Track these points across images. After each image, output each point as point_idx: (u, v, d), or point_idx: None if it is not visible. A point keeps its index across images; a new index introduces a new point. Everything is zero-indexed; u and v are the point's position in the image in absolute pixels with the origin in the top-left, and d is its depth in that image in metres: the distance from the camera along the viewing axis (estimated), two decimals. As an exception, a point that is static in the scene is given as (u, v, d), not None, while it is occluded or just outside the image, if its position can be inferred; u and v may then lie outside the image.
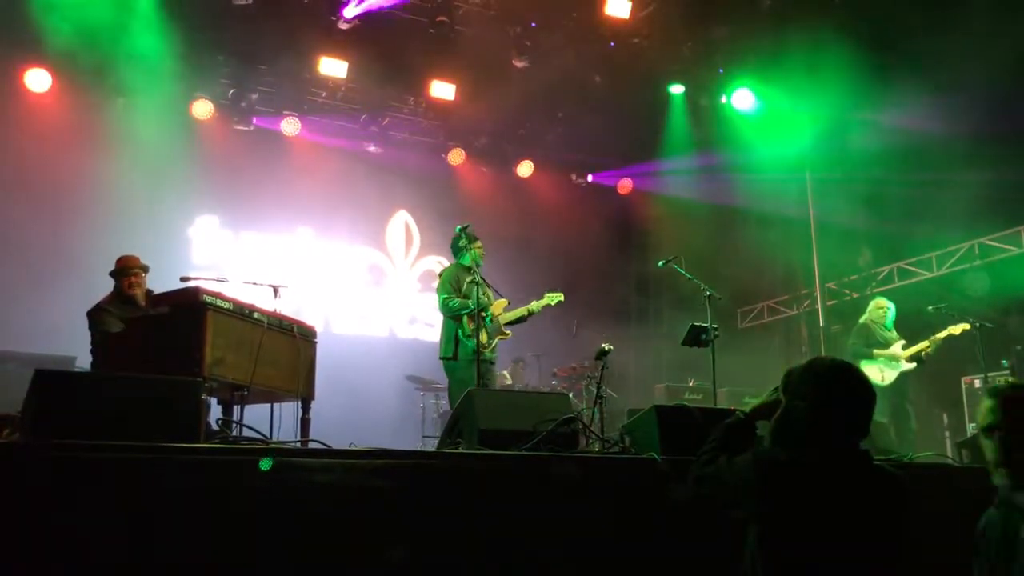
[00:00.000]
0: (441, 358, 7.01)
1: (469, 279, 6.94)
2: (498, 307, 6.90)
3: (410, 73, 11.58)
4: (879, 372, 8.02)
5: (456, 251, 7.25)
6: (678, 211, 14.11)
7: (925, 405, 9.50)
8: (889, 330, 8.33)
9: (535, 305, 7.25)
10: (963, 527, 3.97)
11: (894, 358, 8.06)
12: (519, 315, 7.16)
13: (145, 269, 6.40)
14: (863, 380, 2.65)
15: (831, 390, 2.59)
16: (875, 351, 8.14)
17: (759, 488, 2.53)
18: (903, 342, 8.16)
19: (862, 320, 8.55)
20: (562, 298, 7.49)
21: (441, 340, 7.06)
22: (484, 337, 6.70)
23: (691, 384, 11.26)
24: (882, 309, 8.43)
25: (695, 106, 12.47)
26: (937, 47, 8.85)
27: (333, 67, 11.16)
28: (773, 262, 13.26)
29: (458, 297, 6.87)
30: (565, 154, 13.48)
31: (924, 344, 8.06)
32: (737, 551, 2.61)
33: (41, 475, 2.73)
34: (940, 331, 8.09)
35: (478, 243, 7.10)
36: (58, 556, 2.63)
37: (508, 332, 6.98)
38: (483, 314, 6.70)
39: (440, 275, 7.28)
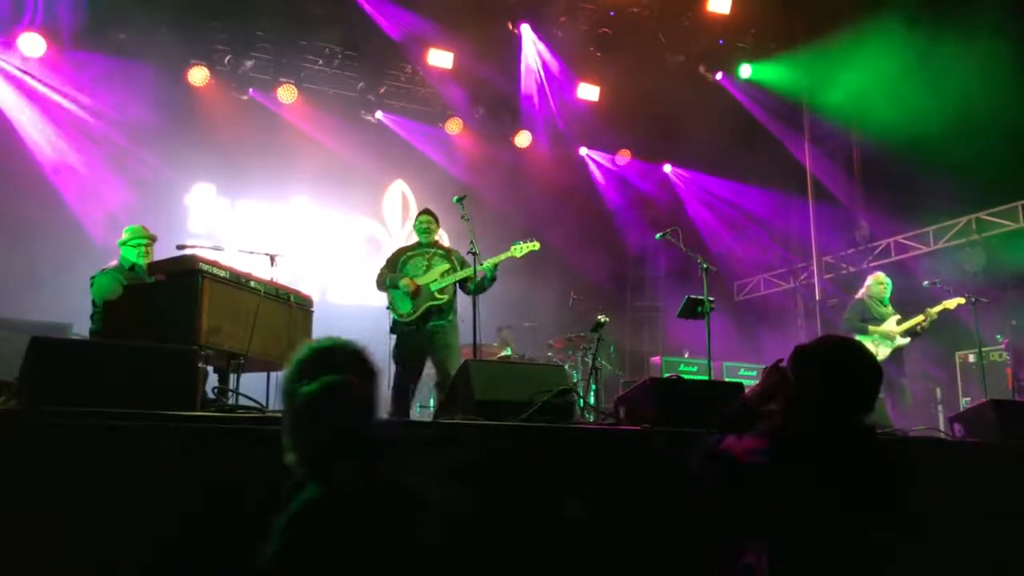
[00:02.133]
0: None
1: (409, 253, 6.93)
2: (431, 275, 6.70)
3: (408, 41, 11.48)
4: (873, 347, 8.02)
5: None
6: (677, 183, 14.13)
7: (919, 379, 9.55)
8: (885, 305, 8.33)
9: (492, 260, 6.58)
10: (955, 500, 4.01)
11: (888, 334, 8.06)
12: (460, 276, 6.65)
13: (153, 239, 6.40)
14: (871, 358, 2.70)
15: (841, 368, 2.64)
16: (870, 327, 8.13)
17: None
18: (898, 317, 8.16)
19: (859, 295, 8.54)
20: (536, 247, 6.83)
21: None
22: (406, 308, 6.65)
23: (686, 356, 11.31)
24: (881, 284, 8.40)
25: (695, 77, 12.40)
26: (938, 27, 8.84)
27: (330, 34, 11.06)
28: (770, 235, 13.27)
29: (387, 272, 6.89)
30: (563, 125, 13.40)
31: (919, 318, 8.05)
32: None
33: (37, 442, 2.73)
34: (935, 306, 8.09)
35: (419, 218, 7.08)
36: (53, 523, 2.64)
37: (442, 296, 6.65)
38: (398, 285, 6.66)
39: None
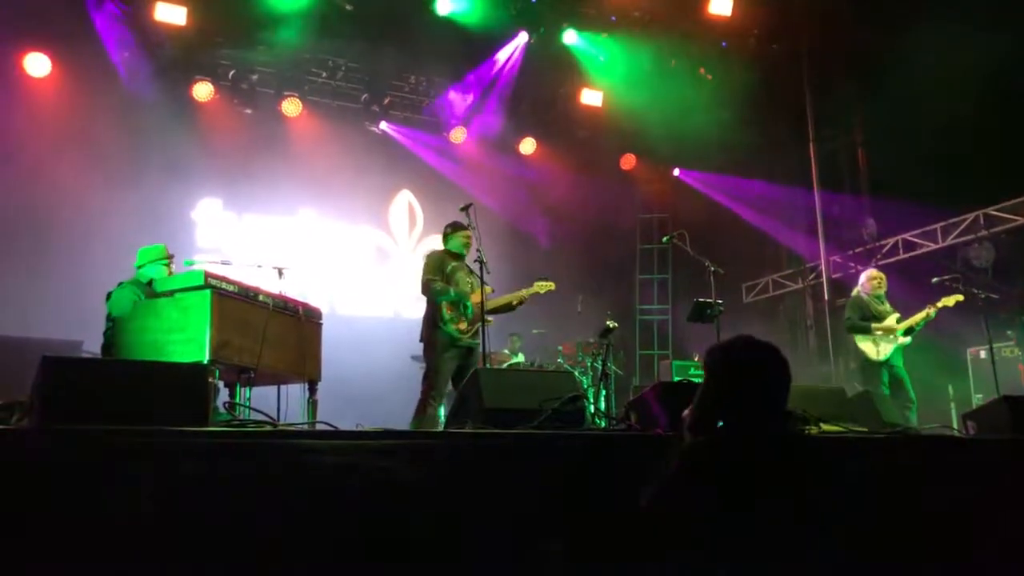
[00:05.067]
0: (421, 341, 6.84)
1: (454, 264, 6.84)
2: (478, 295, 6.63)
3: (411, 52, 11.54)
4: (874, 347, 7.94)
5: (443, 237, 7.16)
6: (683, 186, 14.11)
7: (930, 377, 9.50)
8: (883, 303, 8.24)
9: (524, 293, 7.15)
10: (968, 498, 3.99)
11: (890, 332, 7.99)
12: (503, 303, 7.02)
13: (172, 258, 6.44)
14: (774, 357, 2.65)
15: (746, 368, 2.62)
16: (873, 325, 8.05)
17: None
18: (897, 315, 8.09)
19: (855, 293, 8.45)
20: (552, 287, 7.37)
21: (422, 323, 6.86)
22: (464, 325, 6.62)
23: (696, 359, 11.29)
24: (875, 280, 8.29)
25: (698, 79, 12.40)
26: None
27: (334, 47, 11.13)
28: (777, 235, 13.24)
29: (441, 281, 6.72)
30: (567, 131, 13.41)
31: (919, 316, 7.97)
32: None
33: (50, 460, 2.74)
34: (937, 303, 8.01)
35: (463, 232, 6.92)
36: (67, 541, 2.65)
37: (490, 320, 6.77)
38: (464, 303, 6.62)
39: (425, 257, 7.10)
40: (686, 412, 2.79)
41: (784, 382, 2.64)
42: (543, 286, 7.31)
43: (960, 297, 7.93)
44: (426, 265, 6.85)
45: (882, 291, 8.25)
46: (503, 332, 10.69)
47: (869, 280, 8.30)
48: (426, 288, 6.70)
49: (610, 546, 3.39)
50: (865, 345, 7.97)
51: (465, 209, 6.73)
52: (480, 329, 6.62)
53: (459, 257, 6.93)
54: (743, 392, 2.60)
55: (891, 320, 8.03)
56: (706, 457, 2.56)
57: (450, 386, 6.67)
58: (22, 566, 2.60)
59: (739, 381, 2.61)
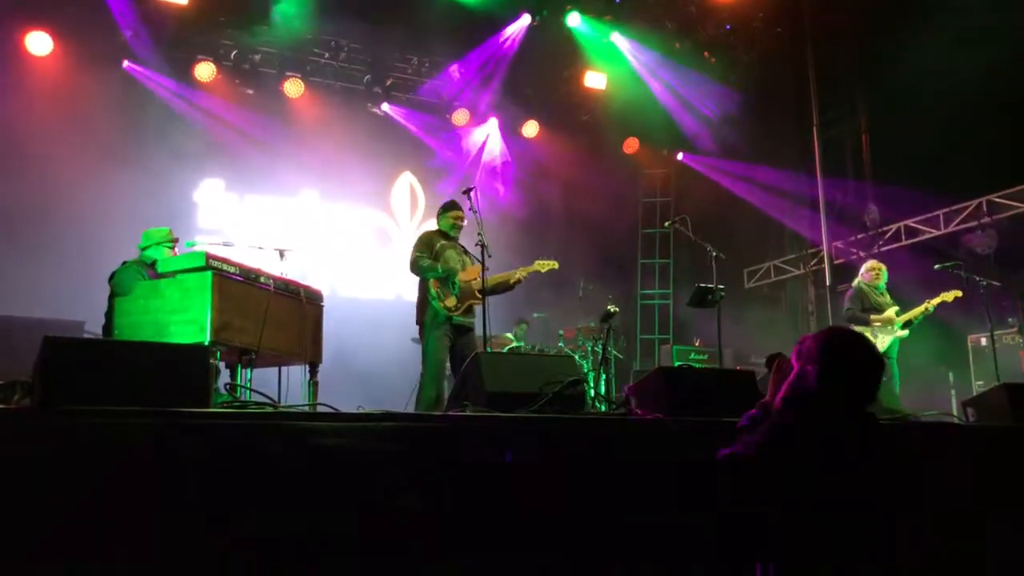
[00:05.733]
0: (417, 323, 6.84)
1: (443, 242, 6.83)
2: (470, 273, 6.67)
3: (414, 33, 11.48)
4: (872, 338, 7.96)
5: (437, 216, 7.18)
6: (686, 171, 14.07)
7: (931, 364, 9.51)
8: (882, 294, 8.24)
9: (523, 271, 6.94)
10: (968, 484, 4.00)
11: (889, 324, 7.98)
12: (500, 280, 6.86)
13: (176, 241, 6.44)
14: (872, 349, 2.76)
15: (841, 358, 2.68)
16: (871, 317, 8.05)
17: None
18: (896, 308, 8.09)
19: (855, 283, 8.45)
20: (555, 265, 7.19)
21: (416, 304, 6.88)
22: (452, 302, 6.59)
23: (697, 344, 11.30)
24: (874, 271, 8.31)
25: (702, 63, 12.35)
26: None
27: (336, 28, 11.09)
28: (780, 220, 13.21)
29: (429, 259, 6.71)
30: (570, 114, 13.37)
31: (918, 310, 7.98)
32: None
33: (51, 441, 2.75)
34: (936, 297, 8.01)
35: (453, 212, 6.93)
36: (69, 521, 2.66)
37: (479, 298, 6.63)
38: (452, 280, 6.61)
39: (418, 237, 7.12)
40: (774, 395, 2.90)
41: (872, 369, 2.71)
42: (544, 264, 7.13)
43: (959, 293, 7.96)
44: (415, 244, 6.90)
45: (881, 282, 8.26)
46: (510, 317, 10.70)
47: (869, 271, 8.33)
48: (414, 265, 6.73)
49: (611, 538, 3.41)
50: None
51: (467, 192, 6.72)
52: (474, 309, 6.62)
53: (449, 236, 6.93)
54: (834, 378, 2.66)
55: (890, 312, 8.03)
56: (798, 432, 2.63)
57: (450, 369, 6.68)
58: (23, 548, 2.61)
59: (830, 368, 2.67)
